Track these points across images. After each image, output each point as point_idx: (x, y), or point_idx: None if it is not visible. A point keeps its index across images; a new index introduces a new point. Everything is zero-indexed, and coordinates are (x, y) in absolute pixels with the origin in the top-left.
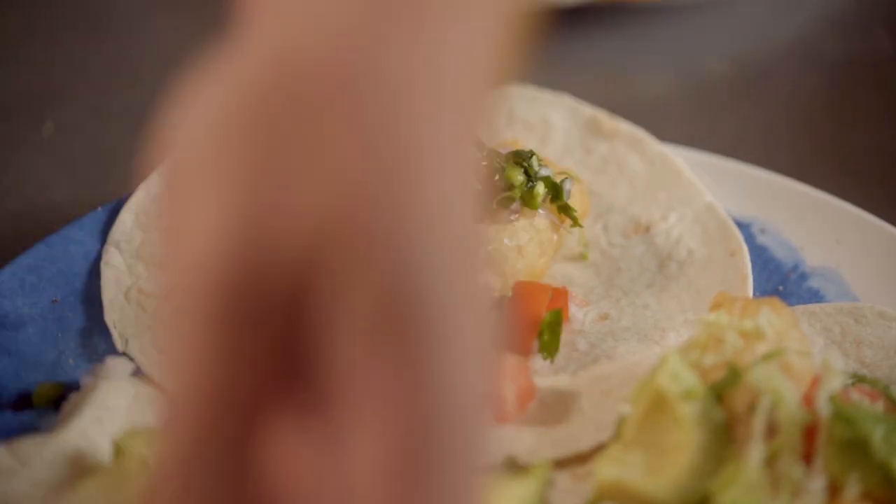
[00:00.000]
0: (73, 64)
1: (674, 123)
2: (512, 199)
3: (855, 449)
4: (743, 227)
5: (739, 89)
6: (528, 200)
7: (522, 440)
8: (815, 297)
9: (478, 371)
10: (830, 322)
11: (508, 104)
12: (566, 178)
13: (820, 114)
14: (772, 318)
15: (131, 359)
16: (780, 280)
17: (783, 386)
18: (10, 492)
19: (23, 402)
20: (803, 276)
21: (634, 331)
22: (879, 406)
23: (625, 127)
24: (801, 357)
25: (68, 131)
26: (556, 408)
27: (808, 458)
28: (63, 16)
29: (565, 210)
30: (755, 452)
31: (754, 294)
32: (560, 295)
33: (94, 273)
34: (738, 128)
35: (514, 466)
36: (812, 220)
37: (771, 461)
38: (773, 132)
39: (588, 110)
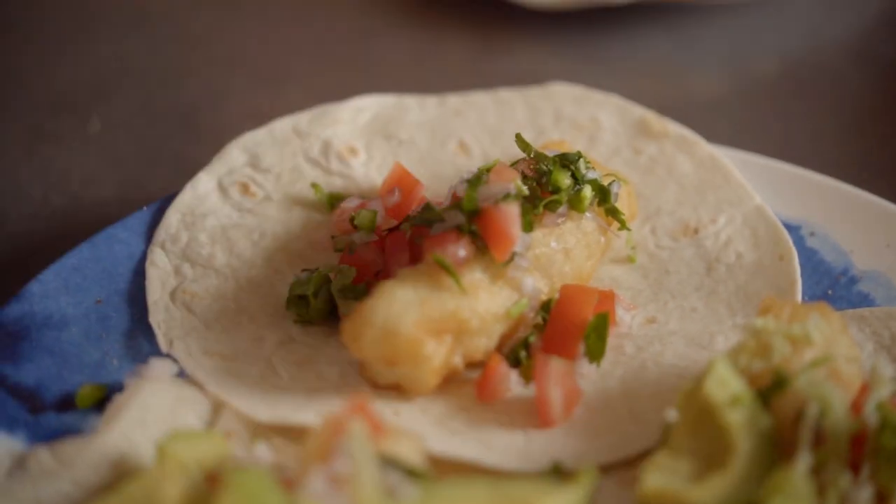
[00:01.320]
0: (120, 61)
1: (724, 123)
2: (559, 203)
3: None
4: (792, 229)
5: (790, 89)
6: (575, 203)
7: (568, 445)
8: (864, 300)
9: None
10: (880, 326)
11: (556, 104)
12: (614, 180)
13: (871, 115)
14: (820, 323)
15: (175, 360)
16: (829, 284)
17: (831, 393)
18: (52, 493)
19: (66, 403)
20: (853, 280)
21: (682, 335)
22: None
23: (673, 128)
24: (849, 363)
25: (114, 128)
26: (603, 412)
27: (855, 466)
28: (110, 12)
29: (613, 213)
30: (802, 460)
31: (804, 297)
32: (607, 298)
33: (138, 273)
34: (788, 128)
35: (561, 472)
36: (862, 223)
37: (818, 469)
38: (824, 133)
39: (637, 110)
